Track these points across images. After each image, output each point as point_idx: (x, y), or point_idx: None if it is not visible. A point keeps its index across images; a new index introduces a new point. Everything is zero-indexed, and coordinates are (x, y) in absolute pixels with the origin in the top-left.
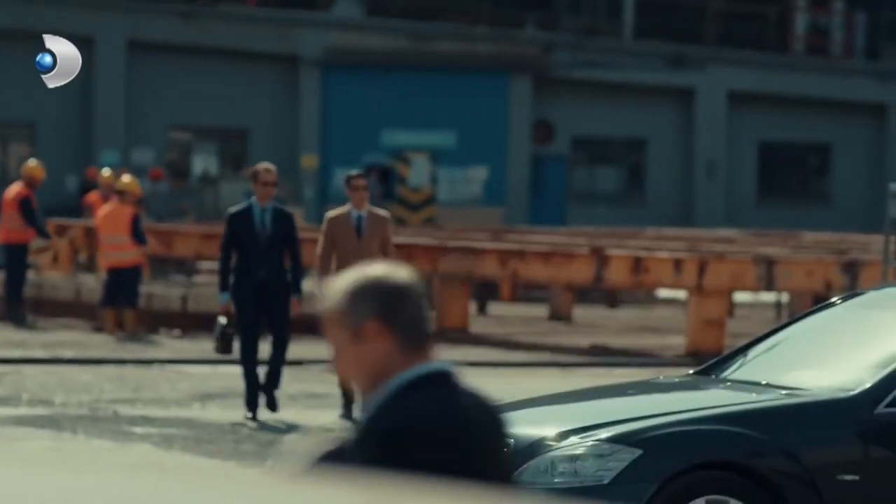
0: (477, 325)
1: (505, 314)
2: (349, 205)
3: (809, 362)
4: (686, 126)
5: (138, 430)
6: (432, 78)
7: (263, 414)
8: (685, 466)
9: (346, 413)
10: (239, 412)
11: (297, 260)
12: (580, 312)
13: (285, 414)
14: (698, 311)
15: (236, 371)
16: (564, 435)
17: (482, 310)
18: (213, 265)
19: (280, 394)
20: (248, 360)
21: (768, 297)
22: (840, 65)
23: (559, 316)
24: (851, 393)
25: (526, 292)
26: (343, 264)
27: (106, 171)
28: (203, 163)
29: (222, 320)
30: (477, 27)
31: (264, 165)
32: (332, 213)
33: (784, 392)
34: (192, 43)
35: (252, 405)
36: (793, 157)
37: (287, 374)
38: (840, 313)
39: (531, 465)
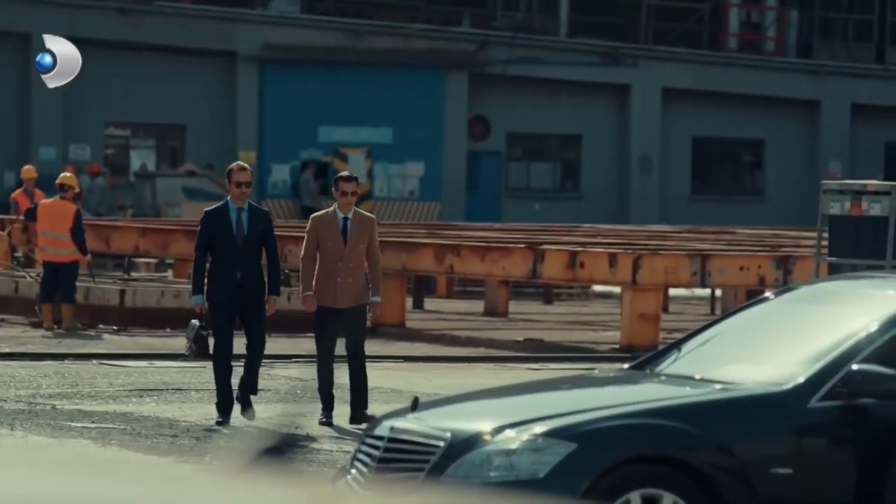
0: (413, 320)
1: (441, 309)
2: (335, 206)
3: (743, 357)
4: (620, 122)
5: (76, 425)
6: (369, 74)
7: (199, 410)
8: (620, 460)
9: (327, 419)
10: (175, 407)
11: (275, 259)
12: (516, 307)
13: None
14: (633, 306)
15: (174, 366)
16: (500, 429)
17: (418, 305)
18: (151, 260)
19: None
20: (222, 364)
21: (702, 292)
22: (773, 61)
23: (495, 311)
24: (785, 387)
25: (462, 287)
26: (327, 266)
27: (27, 168)
28: (141, 159)
29: (195, 322)
30: (413, 24)
31: (238, 164)
32: (317, 214)
33: (718, 386)
34: (129, 39)
35: (223, 409)
36: (726, 152)
37: None
38: (773, 308)
39: (467, 458)
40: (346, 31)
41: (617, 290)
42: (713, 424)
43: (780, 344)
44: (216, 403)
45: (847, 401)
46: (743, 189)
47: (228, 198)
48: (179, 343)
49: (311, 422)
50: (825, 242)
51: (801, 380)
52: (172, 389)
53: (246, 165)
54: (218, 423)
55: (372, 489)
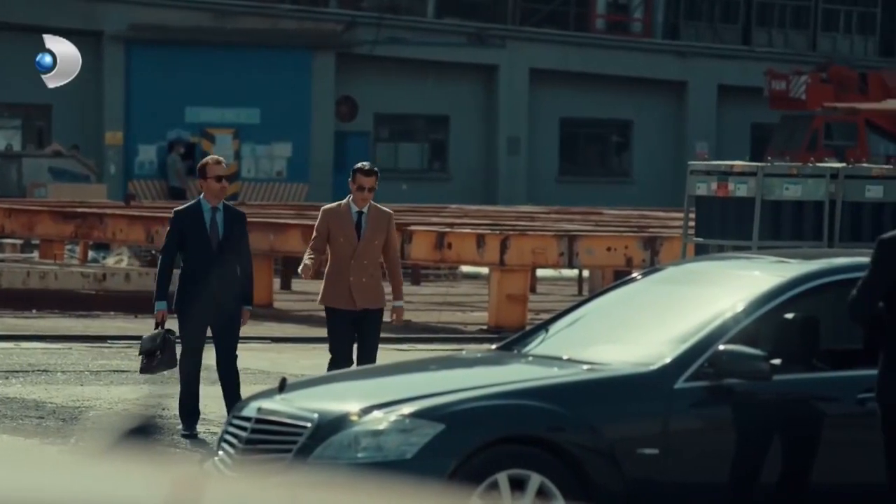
0: (281, 301)
1: (309, 290)
2: (349, 198)
3: (610, 337)
4: (488, 103)
5: None
6: (236, 54)
7: (65, 392)
8: (487, 441)
9: None
10: (41, 388)
11: (249, 266)
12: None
13: (88, 390)
14: (500, 287)
15: (39, 347)
16: (368, 410)
17: (286, 286)
18: (17, 241)
19: (84, 370)
20: (192, 375)
21: (570, 272)
22: (640, 42)
23: None
24: (652, 368)
25: None
26: (338, 264)
27: None
28: (6, 139)
29: (160, 331)
30: (280, 4)
31: (214, 158)
32: (329, 207)
33: (585, 367)
34: None
35: (192, 422)
36: (594, 133)
37: (89, 350)
38: (640, 288)
39: (334, 440)
40: (212, 11)
41: (485, 270)
42: (581, 405)
43: (647, 324)
44: (181, 414)
45: (713, 381)
46: (610, 170)
47: (201, 196)
48: (46, 324)
49: (177, 403)
50: (692, 223)
51: (668, 360)
52: (38, 371)
53: (222, 160)
54: (184, 436)
55: (239, 470)
